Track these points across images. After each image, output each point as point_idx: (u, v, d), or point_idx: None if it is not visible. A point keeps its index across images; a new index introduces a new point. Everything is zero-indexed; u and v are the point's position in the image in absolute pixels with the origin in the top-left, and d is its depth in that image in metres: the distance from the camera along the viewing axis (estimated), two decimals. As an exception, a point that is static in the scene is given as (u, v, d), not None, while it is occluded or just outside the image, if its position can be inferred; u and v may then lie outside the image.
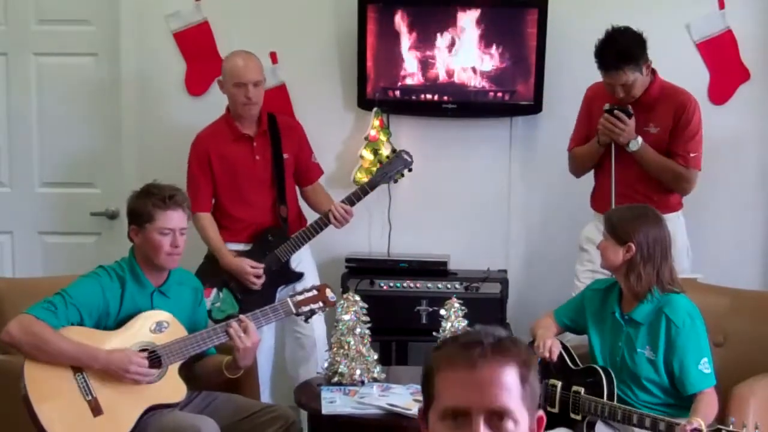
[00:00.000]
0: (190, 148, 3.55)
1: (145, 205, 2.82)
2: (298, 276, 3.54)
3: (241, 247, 3.55)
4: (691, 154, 3.37)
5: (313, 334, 3.60)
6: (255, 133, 3.54)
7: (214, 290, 3.50)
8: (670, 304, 2.75)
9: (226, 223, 3.55)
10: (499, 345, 1.33)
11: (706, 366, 2.71)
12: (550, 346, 2.85)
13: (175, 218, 2.81)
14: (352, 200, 3.52)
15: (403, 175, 3.63)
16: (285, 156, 3.56)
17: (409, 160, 3.57)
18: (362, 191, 3.52)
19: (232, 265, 3.47)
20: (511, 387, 1.31)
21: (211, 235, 3.51)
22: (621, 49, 3.24)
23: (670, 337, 2.72)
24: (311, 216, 3.67)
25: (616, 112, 3.29)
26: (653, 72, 3.38)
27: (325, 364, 3.11)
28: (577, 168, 3.61)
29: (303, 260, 3.62)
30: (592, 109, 3.48)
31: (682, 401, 2.73)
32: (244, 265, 3.46)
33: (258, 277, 3.47)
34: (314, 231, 3.52)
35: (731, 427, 2.34)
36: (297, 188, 3.70)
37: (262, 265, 3.48)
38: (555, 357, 2.85)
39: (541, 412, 1.37)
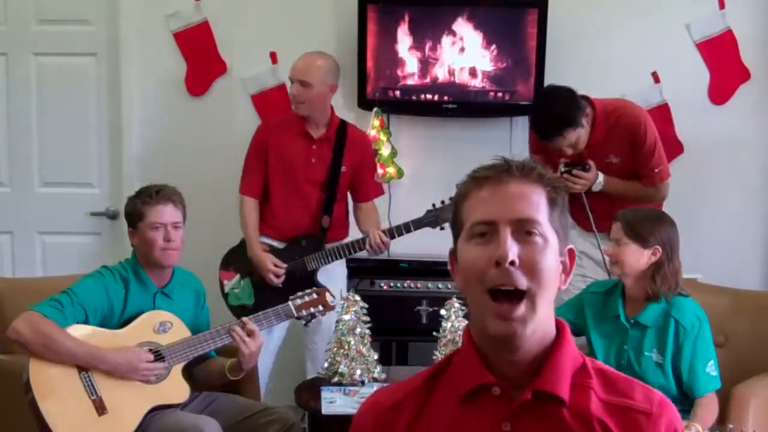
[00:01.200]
0: (255, 132, 3.55)
1: (135, 204, 2.84)
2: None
3: (276, 243, 3.54)
4: (656, 170, 3.37)
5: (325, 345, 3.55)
6: (319, 136, 3.51)
7: (237, 276, 3.53)
8: (677, 307, 2.74)
9: (267, 216, 3.54)
10: (527, 166, 1.31)
11: (712, 369, 2.70)
12: None
13: (165, 212, 2.81)
14: (393, 233, 3.48)
15: (443, 228, 3.43)
16: (342, 168, 3.52)
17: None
18: (406, 228, 3.46)
19: (257, 257, 3.47)
20: (539, 203, 1.28)
21: (249, 221, 3.50)
22: (555, 116, 3.22)
23: (678, 341, 2.71)
24: (354, 233, 3.65)
25: (575, 172, 3.28)
26: (592, 105, 3.32)
27: (326, 364, 3.11)
28: None
29: (335, 276, 3.56)
30: (545, 148, 3.43)
31: (687, 406, 2.73)
32: (267, 261, 3.45)
33: (277, 276, 3.46)
34: (348, 251, 3.49)
35: (730, 428, 2.34)
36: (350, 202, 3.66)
37: (285, 266, 3.47)
38: None
39: (572, 246, 1.34)
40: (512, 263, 1.24)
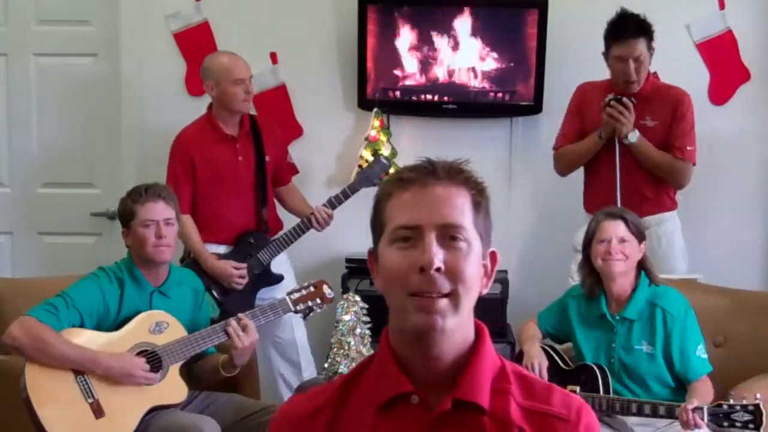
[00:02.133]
0: (172, 147, 3.52)
1: (126, 204, 2.85)
2: (279, 278, 3.54)
3: (221, 249, 3.53)
4: (688, 147, 3.37)
5: (294, 337, 3.62)
6: (238, 134, 3.52)
7: None
8: (661, 297, 2.80)
9: (207, 225, 3.52)
10: (452, 168, 1.29)
11: (702, 352, 2.76)
12: (539, 368, 2.85)
13: (156, 209, 2.81)
14: (333, 203, 3.51)
15: (381, 180, 3.58)
16: (267, 158, 3.55)
17: (387, 164, 3.58)
18: (343, 195, 3.51)
19: (216, 267, 3.44)
20: (463, 208, 1.26)
21: (193, 236, 3.47)
22: (639, 20, 3.28)
23: (667, 328, 2.75)
24: (286, 218, 3.68)
25: (623, 99, 3.27)
26: (648, 72, 3.40)
27: (326, 364, 3.11)
28: (566, 166, 3.56)
29: (281, 262, 3.60)
30: (585, 106, 3.47)
31: (683, 398, 2.74)
32: (228, 267, 3.44)
33: (242, 277, 3.46)
34: (296, 234, 3.51)
35: (731, 401, 2.36)
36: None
37: (245, 265, 3.47)
38: (545, 378, 2.85)
39: (494, 249, 1.33)
40: (437, 269, 1.22)
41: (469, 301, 1.26)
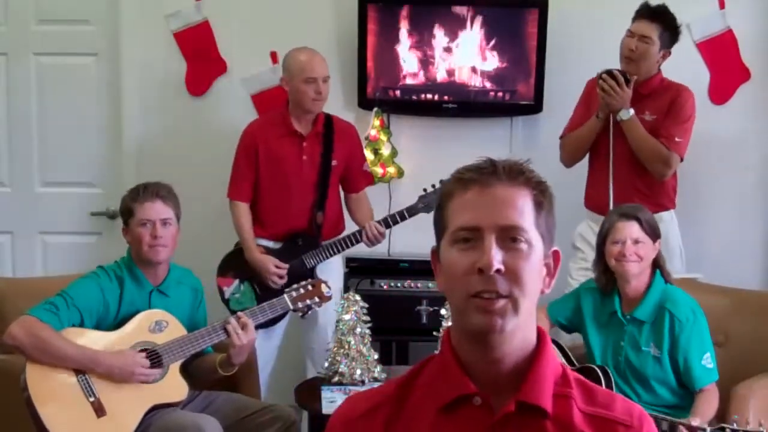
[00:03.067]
0: (241, 136, 3.53)
1: (126, 202, 2.86)
2: None
3: (270, 244, 3.53)
4: (676, 138, 3.34)
5: (327, 347, 3.52)
6: (308, 133, 3.49)
7: (236, 281, 3.52)
8: (672, 301, 2.78)
9: (261, 217, 3.52)
10: (514, 168, 1.29)
11: (708, 361, 2.73)
12: None
13: (152, 209, 2.81)
14: (388, 223, 3.48)
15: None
16: (334, 162, 3.51)
17: None
18: (400, 216, 3.47)
19: (257, 260, 3.45)
20: (524, 208, 1.26)
21: (244, 226, 3.48)
22: (664, 9, 3.33)
23: (674, 334, 2.74)
24: (350, 225, 3.65)
25: (614, 72, 3.28)
26: (659, 71, 3.40)
27: (326, 364, 3.11)
28: (570, 154, 3.54)
29: (331, 269, 3.56)
30: (593, 99, 3.46)
31: (687, 402, 2.74)
32: (269, 263, 3.44)
33: (281, 277, 3.45)
34: (345, 245, 3.49)
35: (734, 425, 2.35)
36: (341, 193, 3.65)
37: (287, 266, 3.46)
38: None
39: (557, 247, 1.33)
40: (497, 271, 1.23)
41: (528, 303, 1.26)
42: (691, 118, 3.41)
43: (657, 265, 2.85)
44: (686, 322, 2.74)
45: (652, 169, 3.36)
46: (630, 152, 3.35)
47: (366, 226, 3.47)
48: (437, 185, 3.42)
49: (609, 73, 3.29)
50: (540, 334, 1.31)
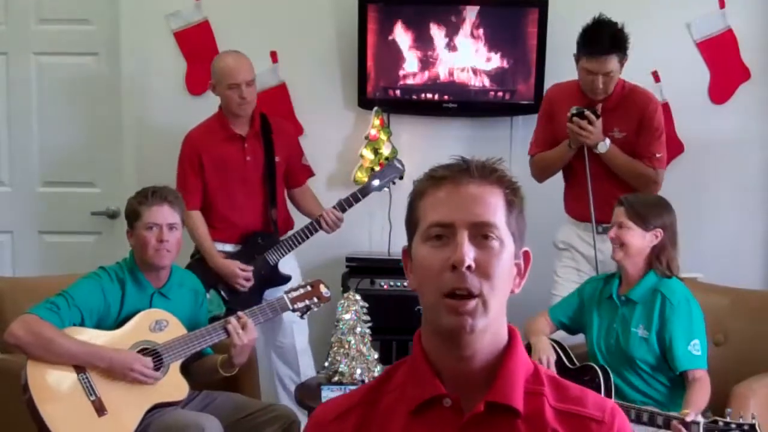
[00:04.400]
0: (182, 146, 3.53)
1: (132, 205, 2.85)
2: (286, 279, 3.53)
3: (229, 248, 3.53)
4: (657, 155, 3.33)
5: (293, 342, 3.62)
6: (247, 134, 3.52)
7: None
8: (666, 285, 2.80)
9: (216, 224, 3.52)
10: (486, 167, 1.29)
11: (696, 348, 2.73)
12: (546, 363, 2.86)
13: (160, 213, 2.81)
14: (343, 206, 3.51)
15: (394, 183, 3.60)
16: (277, 159, 3.54)
17: (402, 168, 3.57)
18: (354, 198, 3.51)
19: (222, 266, 3.45)
20: (496, 206, 1.27)
21: (201, 233, 3.48)
22: (613, 33, 3.18)
23: (663, 314, 2.76)
24: (298, 218, 3.67)
25: (586, 113, 3.22)
26: None
27: (326, 363, 3.11)
28: (541, 173, 3.50)
29: (289, 263, 3.60)
30: (555, 111, 3.42)
31: (675, 386, 2.75)
32: (234, 267, 3.45)
33: (247, 279, 3.46)
34: (305, 236, 3.51)
35: (728, 418, 2.35)
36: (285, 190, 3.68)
37: (251, 268, 3.47)
38: (553, 371, 2.86)
39: (527, 248, 1.33)
40: (468, 267, 1.22)
41: (498, 302, 1.26)
42: (663, 128, 3.38)
43: (653, 259, 2.81)
44: (677, 306, 2.76)
45: (642, 190, 3.32)
46: (607, 169, 3.32)
47: (324, 214, 3.50)
48: (388, 162, 3.59)
49: (579, 114, 3.23)
50: (511, 332, 1.31)
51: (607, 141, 3.27)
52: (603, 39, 3.18)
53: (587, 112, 3.22)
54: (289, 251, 3.53)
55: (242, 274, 3.45)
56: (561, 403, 1.27)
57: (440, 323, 1.25)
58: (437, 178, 1.29)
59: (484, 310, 1.24)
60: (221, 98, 3.49)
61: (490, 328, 1.26)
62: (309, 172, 3.75)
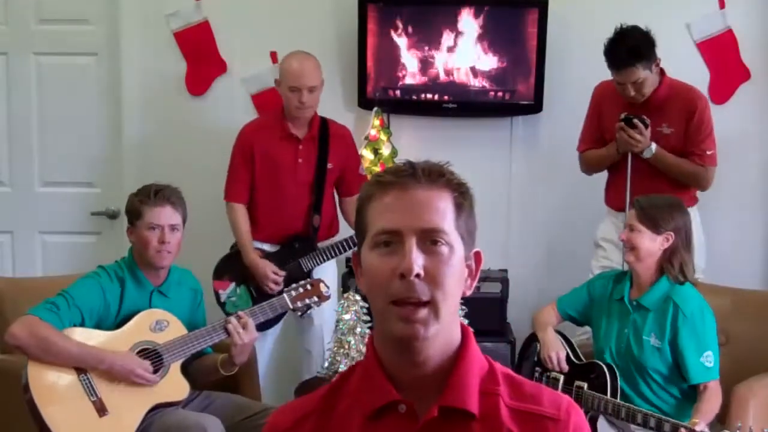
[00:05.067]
0: (237, 137, 3.53)
1: (134, 203, 2.85)
2: None
3: (266, 247, 3.53)
4: (708, 152, 3.37)
5: (323, 350, 3.48)
6: (303, 136, 3.50)
7: (233, 284, 3.51)
8: (679, 294, 2.77)
9: (257, 220, 3.52)
10: (434, 170, 1.27)
11: (709, 359, 2.71)
12: (557, 359, 2.85)
13: (162, 213, 2.81)
14: None
15: None
16: (329, 165, 3.51)
17: None
18: None
19: (255, 264, 3.45)
20: (444, 211, 1.25)
21: (242, 228, 3.48)
22: (632, 46, 3.21)
23: (676, 325, 2.73)
24: (345, 227, 3.65)
25: (635, 121, 3.25)
26: (662, 71, 3.37)
27: (326, 364, 3.11)
28: (590, 169, 3.60)
29: (326, 272, 3.54)
30: (603, 108, 3.47)
31: (685, 398, 2.74)
32: (267, 269, 3.44)
33: (277, 284, 3.44)
34: (342, 249, 3.49)
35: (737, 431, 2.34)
36: (336, 196, 3.66)
37: (284, 273, 3.46)
38: (565, 368, 2.87)
39: (478, 249, 1.32)
40: (417, 275, 1.21)
41: (449, 307, 1.25)
42: (712, 124, 3.42)
43: (665, 263, 2.79)
44: (690, 317, 2.73)
45: (693, 186, 3.40)
46: (650, 164, 3.34)
47: None
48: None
49: (628, 121, 3.26)
50: (464, 331, 1.30)
51: (653, 146, 3.29)
52: (620, 53, 3.22)
53: (635, 120, 3.25)
54: (325, 260, 3.51)
55: (273, 277, 3.44)
56: (516, 402, 1.26)
57: (391, 330, 1.24)
58: (384, 183, 1.27)
59: (435, 317, 1.23)
60: (283, 98, 3.47)
61: (441, 334, 1.25)
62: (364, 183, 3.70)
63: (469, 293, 1.31)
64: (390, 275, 1.22)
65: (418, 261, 1.22)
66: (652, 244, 2.77)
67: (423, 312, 1.22)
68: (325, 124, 3.54)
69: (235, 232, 3.51)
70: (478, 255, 1.32)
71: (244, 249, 3.48)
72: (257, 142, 3.49)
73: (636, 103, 3.31)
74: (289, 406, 1.37)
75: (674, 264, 2.78)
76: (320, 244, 3.53)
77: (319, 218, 3.51)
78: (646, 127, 3.27)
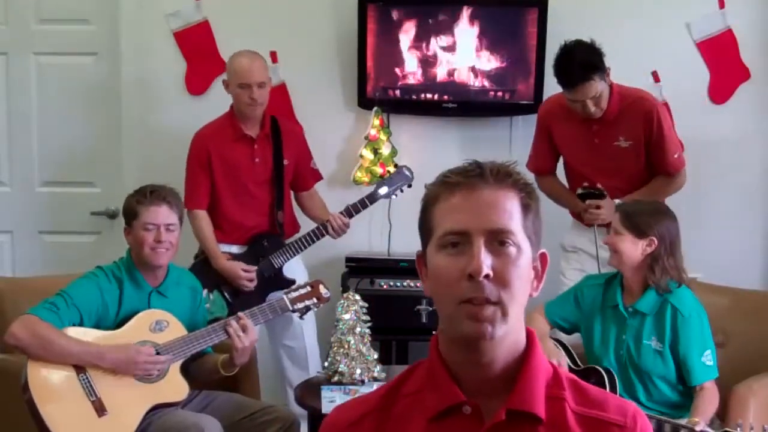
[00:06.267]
0: (191, 144, 3.52)
1: (131, 203, 2.85)
2: (290, 283, 3.49)
3: (234, 249, 3.54)
4: (675, 156, 3.32)
5: (304, 344, 3.61)
6: (257, 135, 3.51)
7: (205, 291, 3.48)
8: (675, 295, 2.76)
9: (222, 224, 3.52)
10: (501, 171, 1.26)
11: (709, 358, 2.72)
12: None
13: (158, 213, 2.81)
14: (350, 212, 3.51)
15: (402, 191, 3.57)
16: (285, 162, 3.54)
17: (410, 176, 3.55)
18: (362, 204, 3.50)
19: (225, 268, 3.45)
20: (512, 211, 1.24)
21: (206, 234, 3.48)
22: (583, 60, 3.13)
23: (676, 327, 2.73)
24: (304, 222, 3.68)
25: (588, 202, 3.24)
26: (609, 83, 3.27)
27: (326, 363, 3.11)
28: (550, 197, 3.49)
29: (294, 267, 3.59)
30: (552, 129, 3.43)
31: (682, 399, 2.74)
32: (237, 268, 3.44)
33: (250, 280, 3.46)
34: (310, 240, 3.51)
35: (738, 430, 2.34)
36: (292, 193, 3.68)
37: (255, 268, 3.47)
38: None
39: (544, 249, 1.30)
40: (486, 276, 1.20)
41: (517, 307, 1.24)
42: (671, 127, 3.37)
43: (648, 268, 2.76)
44: (689, 317, 2.73)
45: (671, 194, 3.35)
46: (612, 171, 3.31)
47: (330, 218, 3.49)
48: (397, 169, 3.61)
49: (582, 197, 3.26)
50: (529, 335, 1.29)
51: (616, 202, 3.19)
52: (573, 70, 3.14)
53: (589, 201, 3.25)
54: (295, 255, 3.52)
55: (245, 275, 3.44)
56: (582, 408, 1.25)
57: (459, 330, 1.23)
58: (451, 184, 1.26)
59: (503, 318, 1.22)
60: (232, 96, 3.48)
61: (509, 335, 1.24)
62: (317, 176, 3.74)
63: (536, 294, 1.30)
64: (458, 276, 1.21)
65: (486, 261, 1.21)
66: (634, 249, 2.74)
67: (491, 310, 1.21)
68: (275, 122, 3.56)
69: (201, 239, 3.50)
70: (544, 256, 1.31)
71: (211, 255, 3.47)
72: (213, 147, 3.48)
73: (593, 118, 3.24)
74: (348, 404, 1.37)
75: (655, 271, 2.74)
76: (288, 240, 3.55)
77: (283, 214, 3.54)
78: (603, 197, 3.24)
